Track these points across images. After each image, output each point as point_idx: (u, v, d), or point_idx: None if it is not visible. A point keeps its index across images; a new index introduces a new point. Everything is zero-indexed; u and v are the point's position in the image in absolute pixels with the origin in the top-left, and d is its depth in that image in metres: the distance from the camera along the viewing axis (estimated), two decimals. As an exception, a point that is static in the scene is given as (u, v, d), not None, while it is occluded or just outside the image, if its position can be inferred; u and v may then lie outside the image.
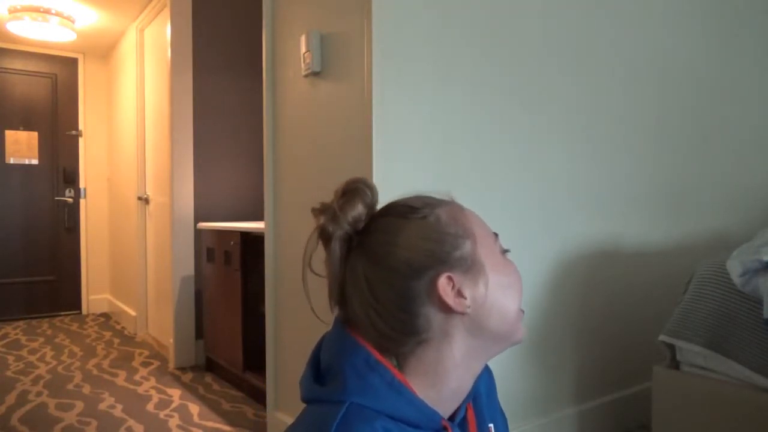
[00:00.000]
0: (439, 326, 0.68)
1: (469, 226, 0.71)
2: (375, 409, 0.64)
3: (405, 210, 0.71)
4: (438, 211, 0.71)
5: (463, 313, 0.68)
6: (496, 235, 0.75)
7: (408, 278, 0.67)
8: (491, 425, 0.81)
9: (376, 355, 0.68)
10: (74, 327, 4.26)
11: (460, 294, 0.68)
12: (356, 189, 0.70)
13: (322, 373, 0.70)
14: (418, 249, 0.68)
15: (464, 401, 0.74)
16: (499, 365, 1.77)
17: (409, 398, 0.66)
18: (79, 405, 2.54)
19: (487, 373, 0.84)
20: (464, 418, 0.75)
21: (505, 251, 0.75)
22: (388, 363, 0.68)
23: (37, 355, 3.42)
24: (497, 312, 0.70)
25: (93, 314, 4.78)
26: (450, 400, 0.71)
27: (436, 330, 0.68)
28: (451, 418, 0.73)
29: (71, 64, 4.73)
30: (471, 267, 0.69)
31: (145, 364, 3.20)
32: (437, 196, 0.75)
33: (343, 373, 0.67)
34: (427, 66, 1.60)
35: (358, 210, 0.69)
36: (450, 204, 0.74)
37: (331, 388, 0.67)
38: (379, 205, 0.74)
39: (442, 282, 0.67)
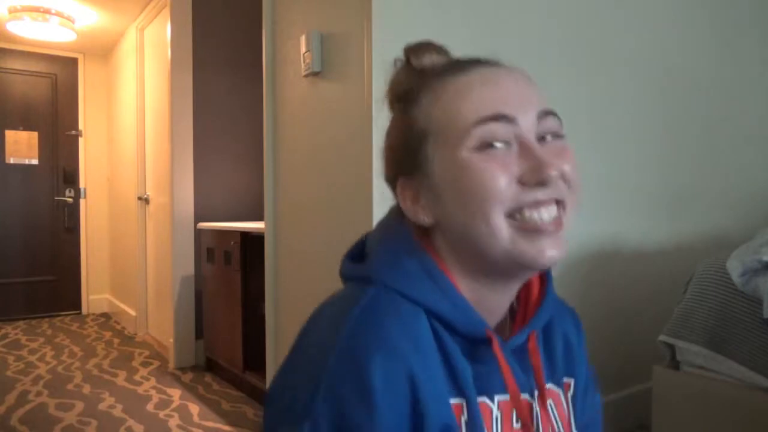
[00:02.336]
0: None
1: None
2: (409, 298, 0.56)
3: None
4: None
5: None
6: (500, 118, 0.55)
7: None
8: (571, 380, 0.69)
9: (422, 241, 0.60)
10: (74, 327, 4.26)
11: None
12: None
13: (365, 254, 0.63)
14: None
15: (525, 327, 0.62)
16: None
17: (448, 291, 0.57)
18: (79, 405, 2.54)
19: (573, 324, 0.72)
20: (524, 347, 0.62)
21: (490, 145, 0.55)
22: (432, 251, 0.60)
23: (37, 355, 3.42)
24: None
25: (93, 314, 4.78)
26: (488, 312, 0.61)
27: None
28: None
29: (71, 64, 4.73)
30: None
31: (145, 364, 3.20)
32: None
33: (378, 254, 0.61)
34: (427, 66, 1.60)
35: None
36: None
37: (365, 266, 0.60)
38: None
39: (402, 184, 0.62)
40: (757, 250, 1.51)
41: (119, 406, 2.51)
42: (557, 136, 0.57)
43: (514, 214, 0.55)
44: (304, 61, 1.76)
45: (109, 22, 4.00)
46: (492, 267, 0.58)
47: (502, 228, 0.54)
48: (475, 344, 0.58)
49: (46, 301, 4.65)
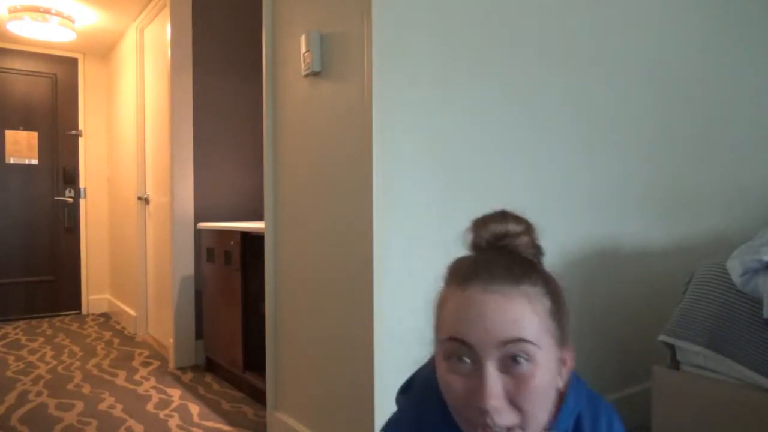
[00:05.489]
0: None
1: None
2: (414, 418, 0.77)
3: None
4: None
5: None
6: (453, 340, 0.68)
7: None
8: None
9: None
10: (74, 327, 4.26)
11: None
12: None
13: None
14: None
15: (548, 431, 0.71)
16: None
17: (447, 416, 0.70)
18: (79, 405, 2.54)
19: (615, 419, 0.79)
20: None
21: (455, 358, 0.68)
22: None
23: (37, 355, 3.42)
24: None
25: (93, 314, 4.78)
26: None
27: None
28: None
29: (71, 64, 4.73)
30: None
31: (145, 364, 3.20)
32: None
33: (414, 389, 0.84)
34: (427, 66, 1.60)
35: None
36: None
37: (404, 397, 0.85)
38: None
39: None
40: (757, 250, 1.51)
41: (119, 406, 2.51)
42: (526, 359, 0.64)
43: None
44: (304, 61, 1.76)
45: (109, 22, 4.00)
46: None
47: (463, 423, 0.67)
48: None
49: (45, 301, 4.65)
